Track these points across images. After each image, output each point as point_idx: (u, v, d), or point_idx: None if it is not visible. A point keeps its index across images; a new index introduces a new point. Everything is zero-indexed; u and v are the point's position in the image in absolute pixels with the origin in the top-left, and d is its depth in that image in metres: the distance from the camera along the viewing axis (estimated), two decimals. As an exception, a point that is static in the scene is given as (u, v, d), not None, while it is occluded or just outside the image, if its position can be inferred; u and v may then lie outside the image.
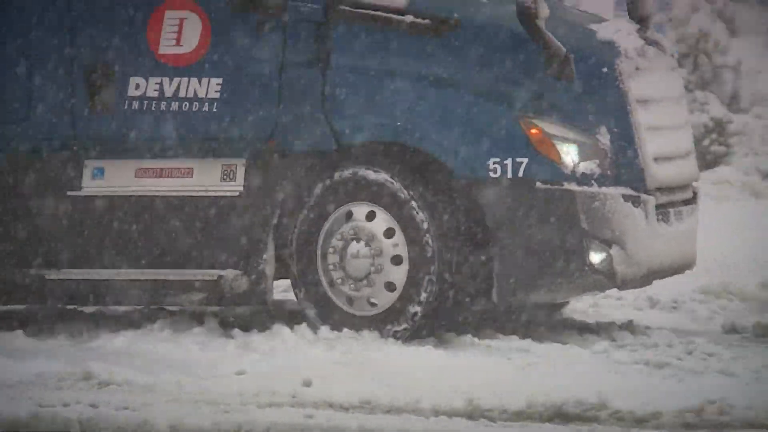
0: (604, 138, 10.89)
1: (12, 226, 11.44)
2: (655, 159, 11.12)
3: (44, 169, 11.43)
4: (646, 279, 11.33)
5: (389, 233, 10.93)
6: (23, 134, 11.45)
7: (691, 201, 11.78)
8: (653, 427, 8.82)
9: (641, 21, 11.75)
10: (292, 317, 11.57)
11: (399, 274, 10.94)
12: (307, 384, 9.67)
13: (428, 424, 8.85)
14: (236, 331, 11.29)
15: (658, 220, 11.11)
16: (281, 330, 11.12)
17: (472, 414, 9.04)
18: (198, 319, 11.67)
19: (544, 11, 10.72)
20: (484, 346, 11.10)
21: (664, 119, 11.37)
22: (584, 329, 11.68)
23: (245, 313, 12.13)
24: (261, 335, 11.14)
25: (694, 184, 11.91)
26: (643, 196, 10.95)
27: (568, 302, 12.27)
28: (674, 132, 11.57)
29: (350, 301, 11.09)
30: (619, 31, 11.28)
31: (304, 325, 11.10)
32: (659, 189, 11.17)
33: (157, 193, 11.28)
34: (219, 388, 9.69)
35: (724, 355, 10.80)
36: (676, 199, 11.50)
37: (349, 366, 10.34)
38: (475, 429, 8.80)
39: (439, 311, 11.03)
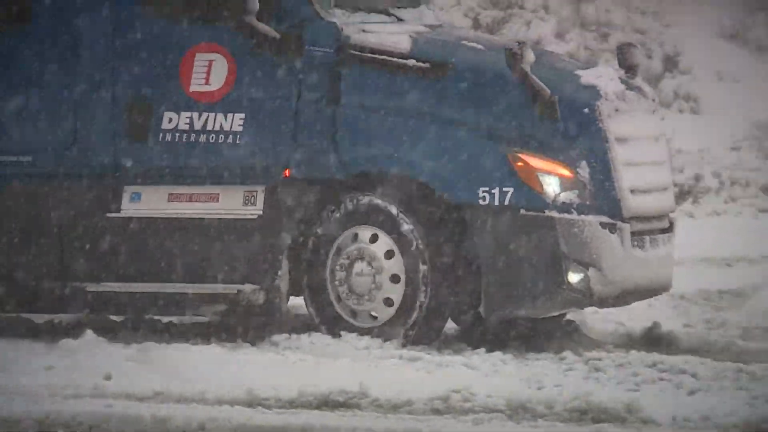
0: (584, 171, 11.10)
1: (56, 242, 11.62)
2: (632, 191, 11.29)
3: (87, 192, 11.59)
4: (621, 299, 11.52)
5: (389, 254, 11.15)
6: (69, 160, 11.65)
7: (668, 230, 11.91)
8: (406, 413, 9.24)
9: (629, 69, 11.91)
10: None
11: (396, 291, 11.16)
12: (108, 378, 9.96)
13: (212, 411, 9.17)
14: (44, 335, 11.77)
15: (633, 245, 11.29)
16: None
17: (251, 402, 9.43)
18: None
19: (529, 57, 10.98)
20: (266, 344, 11.40)
21: (641, 156, 11.52)
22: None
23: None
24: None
25: (671, 214, 12.05)
26: (619, 224, 11.16)
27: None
28: (652, 168, 11.71)
29: (354, 314, 11.29)
30: (601, 76, 11.46)
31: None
32: (635, 218, 11.34)
33: (186, 216, 11.49)
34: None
35: (467, 351, 11.12)
36: (652, 228, 11.63)
37: (144, 363, 10.62)
38: (253, 415, 9.13)
39: (433, 324, 11.26)
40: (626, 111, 11.44)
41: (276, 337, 11.48)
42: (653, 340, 11.85)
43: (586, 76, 11.42)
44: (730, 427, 8.83)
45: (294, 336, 11.48)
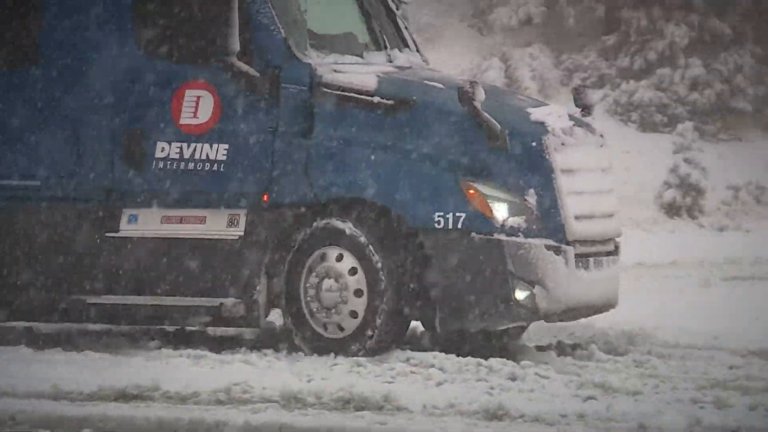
0: (532, 199, 11.32)
1: (59, 259, 11.87)
2: (576, 217, 11.50)
3: (89, 214, 11.84)
4: (567, 315, 11.76)
5: (353, 271, 11.36)
6: (73, 186, 11.89)
7: (613, 253, 12.13)
8: (193, 403, 9.70)
9: (584, 108, 12.23)
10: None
11: (360, 305, 11.38)
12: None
13: (21, 404, 9.52)
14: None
15: (577, 266, 11.51)
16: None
17: (57, 396, 9.82)
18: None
19: (480, 95, 11.22)
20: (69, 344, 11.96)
21: (586, 186, 11.72)
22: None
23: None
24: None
25: (617, 239, 12.26)
26: (563, 247, 11.39)
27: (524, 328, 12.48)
28: (597, 196, 11.90)
29: (325, 326, 11.48)
30: (550, 114, 11.71)
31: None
32: (579, 241, 11.54)
33: (177, 236, 11.72)
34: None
35: (244, 349, 11.67)
36: (597, 251, 11.83)
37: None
38: (57, 407, 9.51)
39: (391, 333, 11.45)
40: (573, 145, 11.65)
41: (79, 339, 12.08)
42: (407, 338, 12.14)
43: (536, 114, 11.66)
44: (472, 414, 9.30)
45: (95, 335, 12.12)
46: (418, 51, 12.96)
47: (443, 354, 11.25)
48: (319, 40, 12.14)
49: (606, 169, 12.21)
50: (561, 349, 12.16)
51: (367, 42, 12.64)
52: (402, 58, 12.50)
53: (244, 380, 10.10)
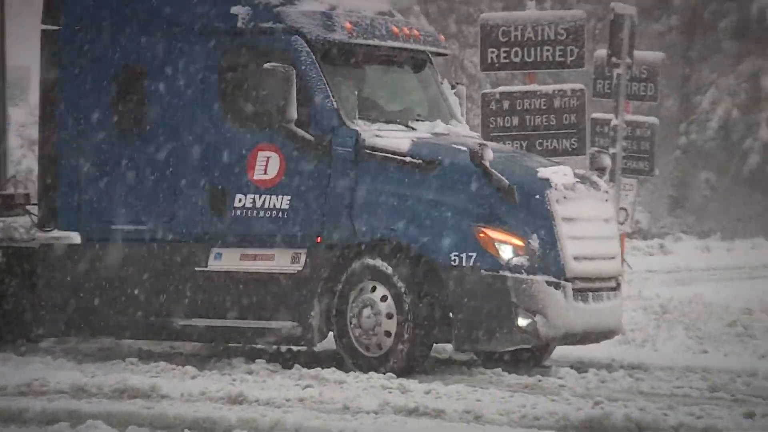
0: (534, 242, 11.56)
1: (159, 288, 12.38)
2: (575, 258, 11.69)
3: (183, 252, 12.32)
4: (567, 339, 11.93)
5: (384, 299, 11.67)
6: (172, 230, 12.37)
7: (615, 288, 12.28)
8: (1, 395, 10.45)
9: (599, 170, 12.49)
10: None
11: (392, 325, 11.64)
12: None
13: None
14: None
15: (576, 299, 11.69)
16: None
17: None
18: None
19: (488, 155, 11.50)
20: None
21: (586, 232, 11.89)
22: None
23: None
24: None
25: (618, 277, 12.42)
26: (563, 282, 11.59)
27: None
28: (598, 241, 12.08)
29: (367, 348, 11.76)
30: (556, 172, 11.91)
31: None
32: (579, 278, 11.73)
33: (252, 270, 12.13)
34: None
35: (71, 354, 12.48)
36: (597, 286, 11.98)
37: None
38: None
39: (418, 351, 11.68)
40: (574, 198, 11.83)
41: None
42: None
43: (543, 172, 11.88)
44: (218, 399, 10.16)
45: None
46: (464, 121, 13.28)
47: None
48: (374, 111, 12.49)
49: (608, 219, 12.35)
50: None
51: (421, 113, 12.90)
52: (442, 127, 12.69)
53: (41, 376, 10.90)
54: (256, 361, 12.07)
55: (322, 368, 11.68)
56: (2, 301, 13.19)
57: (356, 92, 12.43)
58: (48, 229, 12.89)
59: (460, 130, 13.02)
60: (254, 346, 12.72)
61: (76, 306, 12.69)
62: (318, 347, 12.36)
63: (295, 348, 12.78)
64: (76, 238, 12.80)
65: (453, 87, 13.48)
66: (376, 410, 9.71)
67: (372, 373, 11.57)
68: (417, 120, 12.75)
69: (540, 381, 11.43)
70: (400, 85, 13.26)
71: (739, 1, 37.09)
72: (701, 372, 11.95)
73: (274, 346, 12.73)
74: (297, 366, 11.86)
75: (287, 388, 10.79)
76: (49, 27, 12.79)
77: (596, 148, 13.25)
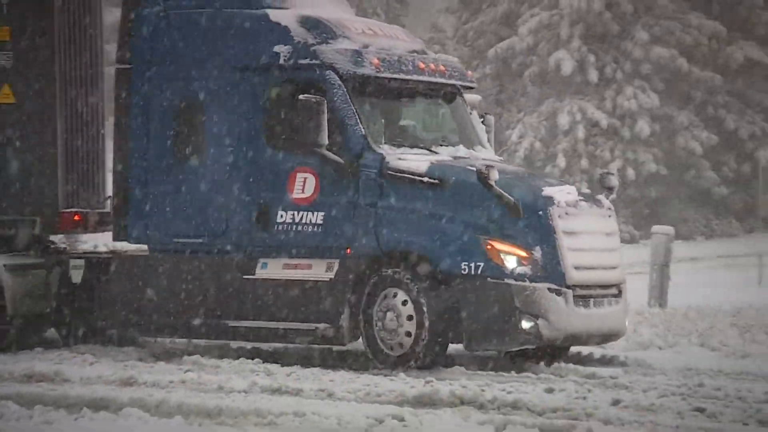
0: (537, 253, 11.50)
1: (212, 293, 12.46)
2: (576, 267, 11.60)
3: (233, 262, 12.38)
4: (569, 340, 11.84)
5: (404, 303, 11.67)
6: (224, 242, 12.46)
7: (617, 295, 12.13)
8: None
9: (607, 189, 12.37)
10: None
11: (412, 326, 11.64)
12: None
13: None
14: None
15: (576, 304, 11.60)
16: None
17: None
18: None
19: (494, 176, 11.45)
20: None
21: (587, 244, 11.79)
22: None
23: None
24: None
25: (620, 285, 12.22)
26: (563, 289, 11.52)
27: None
28: (597, 253, 11.96)
29: (391, 347, 11.75)
30: (561, 191, 11.85)
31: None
32: (579, 286, 11.64)
33: (293, 278, 12.17)
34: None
35: None
36: (598, 293, 11.85)
37: None
38: None
39: (435, 350, 11.66)
40: (576, 214, 11.76)
41: None
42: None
43: (547, 190, 11.81)
44: (111, 382, 10.69)
45: None
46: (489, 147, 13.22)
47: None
48: (401, 137, 12.49)
49: (610, 233, 12.20)
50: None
51: (448, 139, 12.83)
52: (464, 151, 12.62)
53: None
54: (145, 349, 12.73)
55: (201, 356, 12.16)
56: (85, 302, 13.36)
57: (383, 120, 12.43)
58: (121, 241, 13.10)
59: (482, 155, 12.94)
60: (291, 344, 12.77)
61: (143, 307, 12.83)
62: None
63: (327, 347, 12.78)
64: (143, 249, 12.99)
65: (482, 117, 13.45)
66: (245, 389, 10.32)
67: (242, 359, 12.04)
68: (440, 145, 12.69)
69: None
70: (430, 114, 13.21)
71: (540, 55, 41.27)
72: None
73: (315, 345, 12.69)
74: (179, 354, 12.38)
75: (171, 372, 11.33)
76: (122, 66, 13.02)
77: (605, 170, 13.09)
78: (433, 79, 12.87)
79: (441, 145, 12.72)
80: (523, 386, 10.47)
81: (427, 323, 11.61)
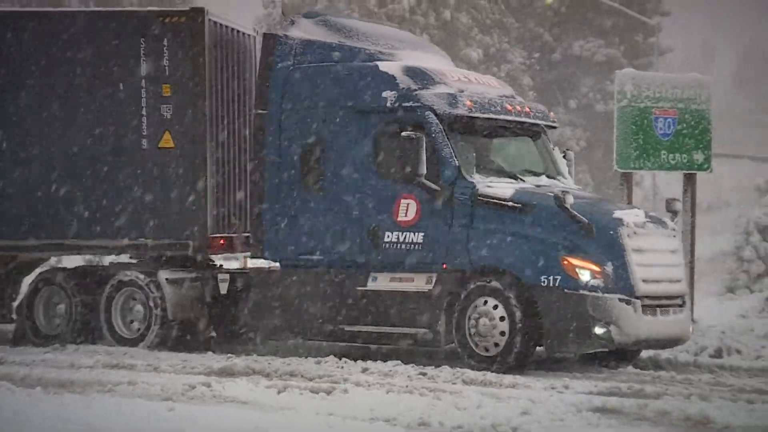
0: (609, 268, 10.60)
1: (330, 302, 11.76)
2: (644, 281, 10.67)
3: (349, 276, 11.71)
4: (637, 345, 10.85)
5: (496, 308, 10.86)
6: (340, 258, 11.76)
7: (681, 305, 11.15)
8: None
9: (672, 213, 11.47)
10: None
11: (505, 331, 10.81)
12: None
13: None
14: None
15: (644, 313, 10.66)
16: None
17: None
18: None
19: (569, 200, 10.60)
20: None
21: (654, 261, 10.86)
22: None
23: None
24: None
25: (684, 296, 11.26)
26: (633, 300, 10.60)
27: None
28: (663, 268, 11.00)
29: (486, 349, 10.93)
30: (629, 213, 10.94)
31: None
32: (647, 297, 10.70)
33: (398, 289, 11.45)
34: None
35: None
36: (663, 303, 10.89)
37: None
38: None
39: (524, 352, 10.84)
40: (643, 234, 10.83)
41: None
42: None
43: (617, 213, 10.93)
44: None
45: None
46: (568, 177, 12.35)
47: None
48: (490, 168, 11.71)
49: (674, 250, 11.20)
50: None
51: (532, 170, 12.03)
52: (545, 180, 11.82)
53: None
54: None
55: (60, 343, 12.33)
56: (228, 312, 12.80)
57: (474, 153, 11.60)
58: (257, 258, 12.50)
59: (561, 184, 12.05)
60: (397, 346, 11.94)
61: (277, 315, 12.21)
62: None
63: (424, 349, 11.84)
64: (276, 265, 12.37)
65: (563, 152, 12.60)
66: (91, 365, 10.85)
67: (89, 345, 12.18)
68: (525, 175, 11.87)
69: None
70: (517, 148, 12.33)
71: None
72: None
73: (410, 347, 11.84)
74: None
75: (34, 354, 11.73)
76: (260, 111, 12.43)
77: (671, 197, 12.15)
78: (519, 119, 11.99)
79: (526, 175, 11.87)
80: (299, 360, 11.04)
81: (518, 328, 10.76)
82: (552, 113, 12.56)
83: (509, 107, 11.92)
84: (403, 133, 11.22)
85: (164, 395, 8.87)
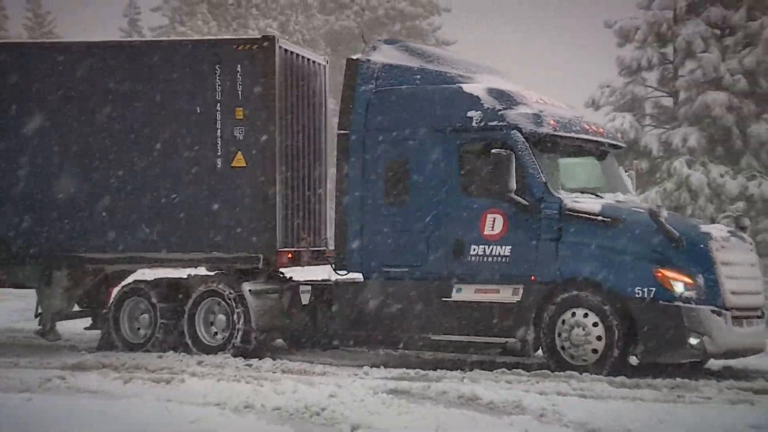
0: (700, 280, 9.32)
1: (416, 311, 10.51)
2: (732, 293, 9.39)
3: (434, 287, 10.46)
4: (727, 355, 9.52)
5: (595, 324, 9.56)
6: (425, 270, 10.53)
7: (760, 316, 9.84)
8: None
9: (741, 228, 10.18)
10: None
11: (601, 341, 9.56)
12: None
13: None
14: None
15: (734, 324, 9.38)
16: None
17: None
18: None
19: (663, 214, 9.33)
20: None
21: (739, 274, 9.58)
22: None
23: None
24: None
25: (762, 308, 9.95)
26: (723, 311, 9.32)
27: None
28: (747, 281, 9.73)
29: (571, 357, 9.72)
30: (714, 228, 9.73)
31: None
32: (735, 308, 9.41)
33: (483, 300, 10.19)
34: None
35: None
36: (748, 314, 9.61)
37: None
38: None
39: (620, 361, 9.59)
40: (729, 248, 9.57)
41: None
42: None
43: (705, 228, 9.70)
44: None
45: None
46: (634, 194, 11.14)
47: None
48: (570, 184, 10.45)
49: (754, 264, 9.92)
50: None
51: (605, 186, 10.77)
52: (621, 197, 10.60)
53: None
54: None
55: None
56: (311, 321, 11.45)
57: (558, 170, 10.37)
58: (341, 271, 11.13)
59: (632, 199, 10.81)
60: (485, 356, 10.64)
61: (360, 325, 10.86)
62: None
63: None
64: (359, 277, 10.99)
65: (627, 171, 11.35)
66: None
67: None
68: (601, 191, 10.58)
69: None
70: (591, 166, 11.01)
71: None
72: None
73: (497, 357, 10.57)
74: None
75: None
76: (342, 131, 11.12)
77: (738, 212, 10.94)
78: (596, 138, 10.69)
79: (602, 192, 10.58)
80: (143, 355, 10.91)
81: (616, 338, 9.45)
82: (619, 134, 11.26)
83: (587, 127, 10.68)
84: (494, 151, 9.95)
85: (22, 387, 8.75)
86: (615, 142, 11.05)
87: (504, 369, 9.68)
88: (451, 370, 9.79)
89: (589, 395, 8.17)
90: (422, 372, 9.48)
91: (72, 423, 6.82)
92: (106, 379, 9.15)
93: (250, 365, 10.07)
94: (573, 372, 9.40)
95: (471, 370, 9.75)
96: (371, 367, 9.85)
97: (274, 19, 38.01)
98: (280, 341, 11.90)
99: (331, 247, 11.70)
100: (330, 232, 12.03)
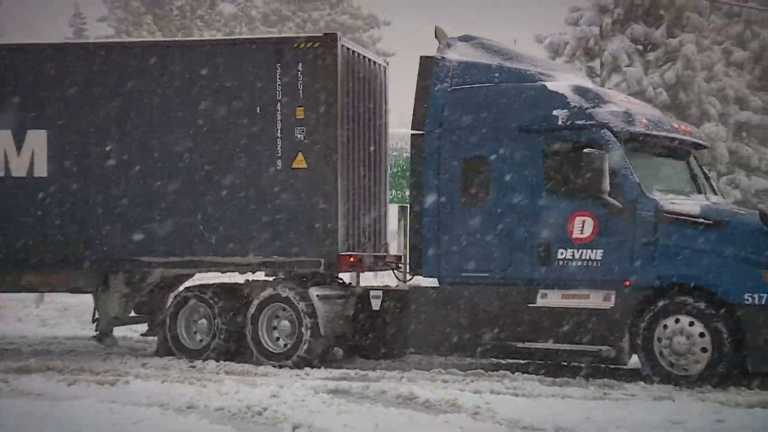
0: None
1: (500, 318, 9.35)
2: None
3: (518, 292, 9.36)
4: None
5: (691, 324, 8.46)
6: (509, 276, 9.40)
7: None
8: None
9: None
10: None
11: (707, 349, 8.45)
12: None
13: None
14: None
15: None
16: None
17: None
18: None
19: None
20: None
21: None
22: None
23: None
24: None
25: None
26: None
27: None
28: None
29: (671, 365, 8.61)
30: None
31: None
32: None
33: (571, 306, 9.08)
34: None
35: None
36: None
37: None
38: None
39: (728, 368, 8.49)
40: None
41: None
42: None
43: None
44: None
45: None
46: (720, 195, 10.07)
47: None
48: (661, 184, 9.35)
49: None
50: None
51: (692, 187, 9.73)
52: (713, 198, 9.57)
53: None
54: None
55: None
56: (382, 329, 10.36)
57: (650, 171, 9.22)
58: (414, 275, 10.07)
59: (721, 200, 9.73)
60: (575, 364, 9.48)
61: (437, 331, 9.74)
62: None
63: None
64: (434, 282, 9.88)
65: (708, 172, 10.23)
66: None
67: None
68: (690, 192, 9.51)
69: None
70: (678, 166, 9.93)
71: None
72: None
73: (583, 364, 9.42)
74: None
75: None
76: (417, 131, 10.06)
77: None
78: (684, 137, 9.59)
79: (691, 193, 9.52)
80: (87, 357, 10.42)
81: (725, 346, 8.34)
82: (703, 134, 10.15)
83: (675, 126, 9.59)
84: (586, 150, 8.85)
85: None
86: (701, 142, 9.97)
87: (440, 369, 9.28)
88: (389, 370, 9.37)
89: (521, 393, 7.90)
90: (362, 372, 9.15)
91: (14, 425, 6.38)
92: (50, 382, 8.70)
93: (194, 367, 9.65)
94: (506, 372, 8.59)
95: (409, 370, 9.32)
96: (313, 368, 9.55)
97: (218, 30, 36.73)
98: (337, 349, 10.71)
99: (392, 252, 10.74)
100: (389, 237, 10.91)
